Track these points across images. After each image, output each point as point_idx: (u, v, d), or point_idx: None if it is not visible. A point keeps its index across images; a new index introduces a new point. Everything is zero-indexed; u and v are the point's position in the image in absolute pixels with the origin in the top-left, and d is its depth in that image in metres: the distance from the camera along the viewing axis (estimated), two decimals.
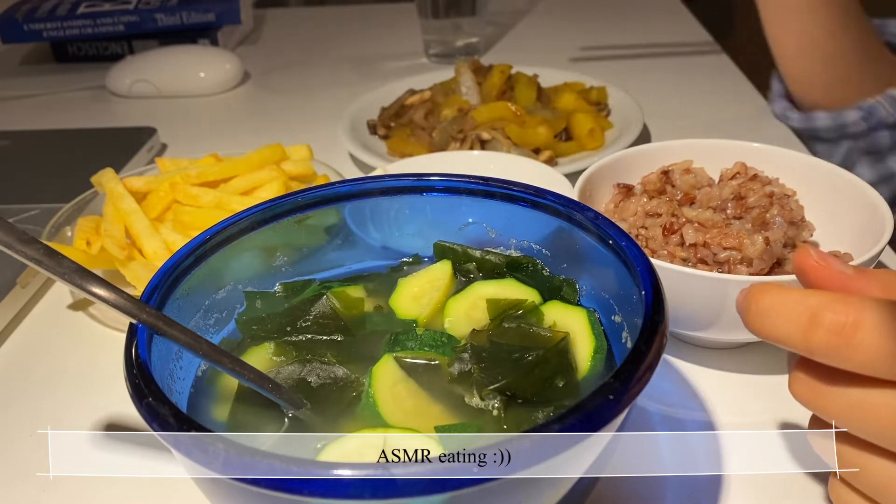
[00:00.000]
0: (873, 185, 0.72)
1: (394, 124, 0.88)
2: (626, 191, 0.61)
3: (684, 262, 0.53)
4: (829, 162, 0.71)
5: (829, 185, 0.58)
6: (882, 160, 0.82)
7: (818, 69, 0.82)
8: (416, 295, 0.47)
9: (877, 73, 0.82)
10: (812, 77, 0.83)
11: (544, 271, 0.47)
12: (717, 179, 0.61)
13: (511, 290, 0.46)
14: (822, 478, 0.45)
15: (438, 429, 0.37)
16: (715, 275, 0.47)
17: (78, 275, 0.34)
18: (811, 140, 0.86)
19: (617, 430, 0.33)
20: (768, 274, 0.52)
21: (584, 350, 0.41)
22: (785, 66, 0.85)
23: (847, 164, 0.83)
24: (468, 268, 0.49)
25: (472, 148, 0.81)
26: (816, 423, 0.37)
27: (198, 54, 1.15)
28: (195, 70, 1.11)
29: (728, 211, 0.55)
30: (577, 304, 0.45)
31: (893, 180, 0.83)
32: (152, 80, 1.08)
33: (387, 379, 0.40)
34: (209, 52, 1.17)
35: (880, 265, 0.62)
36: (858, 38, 0.81)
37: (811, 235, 0.56)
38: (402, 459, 0.32)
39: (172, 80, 1.10)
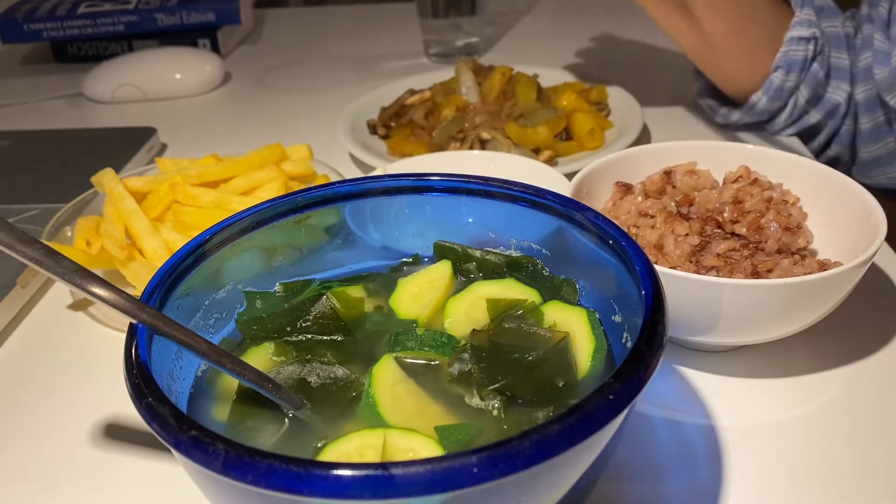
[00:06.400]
0: (821, 123, 0.80)
1: (394, 124, 0.88)
2: (626, 190, 0.61)
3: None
4: (778, 129, 0.81)
5: (826, 187, 0.58)
6: (822, 97, 0.83)
7: (742, 56, 0.81)
8: (416, 295, 0.47)
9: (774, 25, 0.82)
10: (739, 67, 0.82)
11: (544, 271, 0.47)
12: (721, 182, 0.61)
13: (511, 290, 0.46)
14: (823, 478, 0.45)
15: (438, 429, 0.37)
16: (712, 278, 0.47)
17: (78, 275, 0.34)
18: (758, 126, 0.86)
19: (617, 431, 0.33)
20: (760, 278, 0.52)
21: (584, 350, 0.41)
22: (706, 70, 0.84)
23: (798, 123, 0.84)
24: (468, 268, 0.49)
25: (472, 148, 0.81)
26: None
27: (178, 56, 1.14)
28: (186, 71, 1.10)
29: (725, 214, 0.55)
30: (577, 304, 0.45)
31: (838, 111, 0.83)
32: (138, 83, 1.08)
33: (387, 379, 0.40)
34: (189, 53, 1.15)
35: (874, 267, 0.62)
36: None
37: (808, 243, 0.56)
38: (402, 459, 0.32)
39: (159, 82, 1.09)
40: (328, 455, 0.36)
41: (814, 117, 0.83)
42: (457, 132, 0.83)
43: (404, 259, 0.51)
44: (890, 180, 0.87)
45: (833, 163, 0.88)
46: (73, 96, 1.11)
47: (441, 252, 0.49)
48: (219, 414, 0.40)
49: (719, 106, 0.88)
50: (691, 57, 0.83)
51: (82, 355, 0.59)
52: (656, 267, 0.39)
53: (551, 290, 0.46)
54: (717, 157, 0.62)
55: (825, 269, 0.51)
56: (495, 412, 0.38)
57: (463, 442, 0.36)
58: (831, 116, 0.84)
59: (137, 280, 0.56)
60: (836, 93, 0.83)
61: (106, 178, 0.65)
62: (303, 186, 0.66)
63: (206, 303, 0.44)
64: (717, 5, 0.78)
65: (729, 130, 0.88)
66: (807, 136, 0.87)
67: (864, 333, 0.56)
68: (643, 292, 0.36)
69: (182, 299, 0.41)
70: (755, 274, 0.51)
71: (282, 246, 0.48)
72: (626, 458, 0.47)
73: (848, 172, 0.88)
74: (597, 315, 0.43)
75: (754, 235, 0.54)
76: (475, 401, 0.39)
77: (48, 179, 0.82)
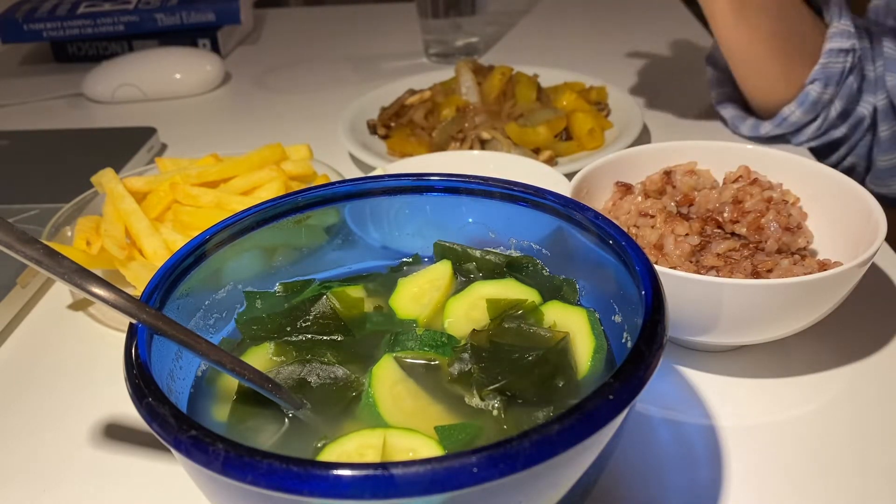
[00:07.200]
0: (846, 136, 0.81)
1: (394, 124, 0.88)
2: (625, 189, 0.61)
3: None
4: (802, 141, 0.82)
5: (826, 187, 0.58)
6: (852, 112, 0.82)
7: (777, 63, 0.80)
8: (416, 295, 0.47)
9: (811, 38, 0.81)
10: (771, 74, 0.81)
11: (544, 271, 0.47)
12: (721, 182, 0.61)
13: (511, 290, 0.46)
14: (823, 478, 0.45)
15: (438, 429, 0.37)
16: (712, 278, 0.47)
17: (78, 275, 0.34)
18: (781, 138, 0.85)
19: (617, 431, 0.33)
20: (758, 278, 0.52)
21: (584, 350, 0.41)
22: (745, 75, 0.83)
23: (823, 136, 0.83)
24: (468, 268, 0.49)
25: (472, 148, 0.81)
26: None
27: (178, 56, 1.14)
28: (186, 71, 1.10)
29: (725, 214, 0.55)
30: (577, 304, 0.45)
31: (863, 125, 0.82)
32: (138, 83, 1.08)
33: (387, 379, 0.40)
34: (189, 53, 1.15)
35: (874, 267, 0.62)
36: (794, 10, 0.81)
37: (808, 243, 0.56)
38: (401, 459, 0.32)
39: (159, 82, 1.09)
40: (328, 455, 0.36)
41: (840, 131, 0.82)
42: (457, 132, 0.83)
43: (404, 259, 0.51)
44: None
45: (848, 172, 0.86)
46: (73, 96, 1.11)
47: (441, 252, 0.49)
48: (219, 414, 0.40)
49: (745, 117, 0.86)
50: (734, 64, 0.82)
51: (82, 355, 0.59)
52: (656, 267, 0.39)
53: (551, 290, 0.46)
54: (717, 157, 0.62)
55: (825, 269, 0.51)
56: (495, 412, 0.38)
57: (463, 442, 0.36)
58: (856, 129, 0.83)
59: (137, 280, 0.56)
60: (865, 106, 0.81)
61: (106, 178, 0.65)
62: (303, 186, 0.66)
63: (206, 303, 0.44)
64: (768, 9, 0.77)
65: (757, 142, 0.84)
66: (826, 149, 0.86)
67: (864, 333, 0.56)
68: (643, 292, 0.36)
69: (182, 299, 0.41)
70: (755, 274, 0.51)
71: (282, 246, 0.48)
72: (626, 458, 0.47)
73: (862, 181, 0.87)
74: (597, 315, 0.43)
75: (754, 235, 0.54)
76: (475, 401, 0.39)
77: (48, 179, 0.82)
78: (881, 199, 0.85)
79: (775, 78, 0.81)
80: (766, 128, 0.83)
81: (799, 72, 0.80)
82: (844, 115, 0.82)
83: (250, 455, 0.28)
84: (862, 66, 0.81)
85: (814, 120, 0.81)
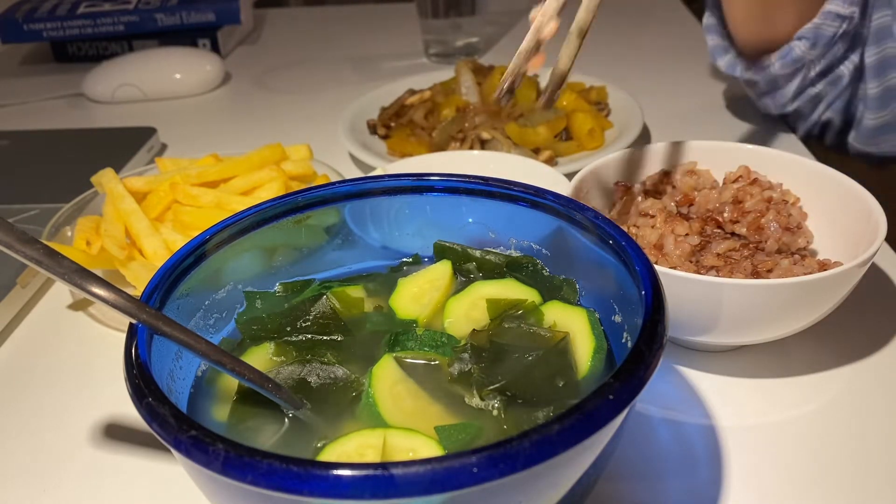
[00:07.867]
0: (822, 93, 0.77)
1: (394, 124, 0.88)
2: (625, 190, 0.61)
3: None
4: (785, 102, 0.79)
5: (826, 187, 0.58)
6: (832, 71, 0.78)
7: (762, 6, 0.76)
8: (416, 295, 0.47)
9: None
10: (756, 16, 0.76)
11: (544, 271, 0.47)
12: (721, 182, 0.61)
13: (511, 290, 0.46)
14: (823, 478, 0.45)
15: (438, 429, 0.37)
16: (712, 278, 0.47)
17: (78, 275, 0.34)
18: (752, 87, 0.82)
19: (617, 431, 0.33)
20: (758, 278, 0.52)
21: (584, 350, 0.41)
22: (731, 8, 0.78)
23: (802, 95, 0.80)
24: (468, 268, 0.49)
25: (472, 148, 0.81)
26: None
27: (178, 56, 1.14)
28: (186, 71, 1.11)
29: (725, 214, 0.55)
30: (577, 304, 0.45)
31: (841, 82, 0.79)
32: (138, 83, 1.08)
33: (387, 379, 0.40)
34: (189, 53, 1.15)
35: (874, 267, 0.62)
36: None
37: (808, 243, 0.56)
38: (401, 459, 0.32)
39: (159, 82, 1.09)
40: (328, 455, 0.36)
41: (817, 88, 0.79)
42: (457, 132, 0.83)
43: (404, 259, 0.51)
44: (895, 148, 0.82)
45: (823, 128, 0.84)
46: (73, 96, 1.11)
47: (441, 252, 0.49)
48: (219, 414, 0.40)
49: (727, 49, 0.81)
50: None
51: (82, 355, 0.59)
52: (656, 267, 0.39)
53: (551, 290, 0.46)
54: (717, 157, 0.62)
55: (825, 269, 0.51)
56: (495, 412, 0.38)
57: (463, 442, 0.36)
58: (833, 87, 0.79)
59: (137, 280, 0.56)
60: (846, 65, 0.78)
61: (106, 178, 0.65)
62: (303, 186, 0.66)
63: (206, 303, 0.44)
64: None
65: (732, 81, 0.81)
66: (808, 108, 0.83)
67: (864, 333, 0.56)
68: (643, 292, 0.36)
69: (182, 299, 0.41)
70: (755, 274, 0.51)
71: (282, 246, 0.48)
72: (626, 458, 0.47)
73: (840, 141, 0.84)
74: (597, 315, 0.43)
75: (754, 235, 0.54)
76: (475, 401, 0.39)
77: (48, 179, 0.82)
78: (867, 157, 0.83)
79: (760, 17, 0.76)
80: (741, 70, 0.80)
81: (788, 20, 0.75)
82: (824, 73, 0.78)
83: (250, 455, 0.28)
84: (853, 32, 0.76)
85: (793, 78, 0.78)
